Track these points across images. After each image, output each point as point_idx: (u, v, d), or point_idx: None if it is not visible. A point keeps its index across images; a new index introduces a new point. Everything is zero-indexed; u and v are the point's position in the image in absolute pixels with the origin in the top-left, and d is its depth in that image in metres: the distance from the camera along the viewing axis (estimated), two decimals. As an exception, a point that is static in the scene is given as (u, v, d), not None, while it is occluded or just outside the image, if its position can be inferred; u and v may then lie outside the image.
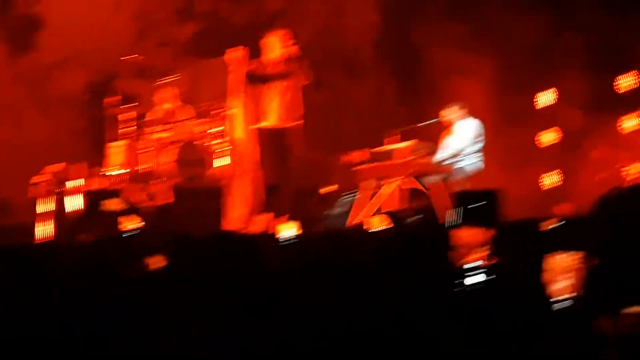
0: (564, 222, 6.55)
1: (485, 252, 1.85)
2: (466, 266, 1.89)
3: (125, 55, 12.11)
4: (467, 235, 1.85)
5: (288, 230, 6.82)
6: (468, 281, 1.89)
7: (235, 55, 9.45)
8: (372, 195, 11.17)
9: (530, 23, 11.86)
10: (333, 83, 15.15)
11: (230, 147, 10.19)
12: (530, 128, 12.73)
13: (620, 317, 2.27)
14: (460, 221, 1.84)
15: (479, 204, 1.82)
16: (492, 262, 1.89)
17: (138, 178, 11.28)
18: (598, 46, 12.36)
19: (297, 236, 7.15)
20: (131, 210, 9.91)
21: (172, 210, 10.66)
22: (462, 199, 1.83)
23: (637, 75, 11.68)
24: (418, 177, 10.87)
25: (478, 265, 1.88)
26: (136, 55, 12.21)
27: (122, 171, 11.31)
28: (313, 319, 3.04)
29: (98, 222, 8.60)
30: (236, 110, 9.44)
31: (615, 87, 11.88)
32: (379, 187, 11.08)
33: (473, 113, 11.41)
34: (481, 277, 1.88)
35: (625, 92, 11.82)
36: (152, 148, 11.44)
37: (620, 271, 2.35)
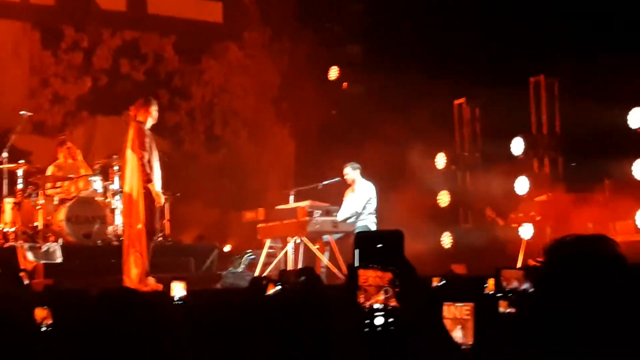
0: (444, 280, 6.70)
1: (387, 294, 1.88)
2: (373, 306, 1.91)
3: (20, 111, 11.85)
4: (370, 275, 1.87)
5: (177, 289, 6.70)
6: (377, 321, 1.91)
7: (127, 113, 9.35)
8: (274, 253, 11.22)
9: (429, 91, 12.22)
10: (233, 141, 15.19)
11: (122, 205, 9.97)
12: (431, 188, 13.01)
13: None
14: (364, 262, 1.86)
15: (382, 244, 1.86)
16: (394, 304, 1.92)
17: (32, 235, 10.98)
18: (488, 113, 12.81)
19: (195, 293, 7.05)
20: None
21: (68, 267, 10.39)
22: (364, 239, 1.86)
23: (525, 139, 12.10)
24: (317, 235, 10.95)
25: (380, 307, 1.90)
26: (30, 112, 11.97)
27: (13, 228, 10.99)
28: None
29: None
30: (127, 167, 9.26)
31: (507, 151, 12.28)
32: (282, 245, 11.15)
33: (373, 172, 11.62)
34: (381, 320, 1.90)
35: (516, 156, 12.23)
36: (46, 204, 11.17)
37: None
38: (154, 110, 9.34)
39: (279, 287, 5.81)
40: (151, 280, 9.18)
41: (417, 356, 1.96)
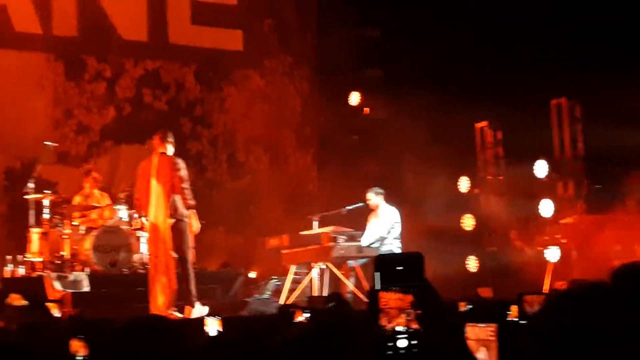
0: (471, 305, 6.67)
1: (409, 317, 1.89)
2: (395, 329, 1.92)
3: (44, 141, 12.00)
4: (391, 298, 1.89)
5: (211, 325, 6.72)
6: (400, 344, 1.92)
7: (150, 142, 9.61)
8: (299, 279, 11.22)
9: (451, 115, 12.23)
10: (255, 168, 15.24)
11: (148, 233, 10.05)
12: (455, 212, 12.97)
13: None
14: (384, 285, 1.88)
15: (402, 266, 1.87)
16: (416, 326, 1.93)
17: (59, 264, 11.05)
18: (511, 136, 12.79)
19: (224, 320, 7.06)
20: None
21: (94, 296, 10.46)
22: (385, 262, 1.88)
23: (548, 162, 12.08)
24: (342, 261, 10.94)
25: (403, 330, 1.91)
26: (55, 143, 12.12)
27: (40, 258, 11.07)
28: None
29: (18, 310, 8.35)
30: (152, 196, 9.37)
31: (530, 174, 12.26)
32: (307, 271, 11.15)
33: (396, 197, 11.61)
34: (404, 342, 1.91)
35: (539, 179, 12.20)
36: (72, 234, 11.26)
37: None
38: (170, 141, 9.54)
39: (306, 315, 5.81)
40: (199, 305, 9.28)
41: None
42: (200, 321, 8.51)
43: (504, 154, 13.23)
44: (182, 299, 9.41)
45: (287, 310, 6.01)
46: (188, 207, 9.41)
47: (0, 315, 8.51)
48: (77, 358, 4.53)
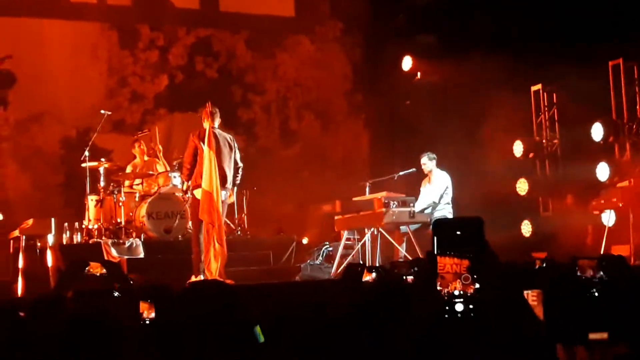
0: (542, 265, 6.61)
1: (466, 281, 1.87)
2: (452, 293, 1.91)
3: (99, 110, 12.15)
4: (448, 263, 1.88)
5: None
6: (457, 307, 1.91)
7: (203, 110, 9.71)
8: (351, 245, 11.23)
9: (505, 78, 12.05)
10: (307, 135, 15.24)
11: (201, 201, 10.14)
12: (509, 176, 12.83)
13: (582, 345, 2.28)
14: (444, 249, 1.87)
15: (462, 231, 1.85)
16: (473, 291, 1.91)
17: (115, 231, 11.22)
18: (566, 99, 12.58)
19: (278, 285, 7.13)
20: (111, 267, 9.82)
21: (149, 262, 10.59)
22: (443, 226, 1.86)
23: (605, 125, 11.85)
24: (394, 226, 10.91)
25: (460, 294, 1.90)
26: (110, 111, 12.26)
27: (96, 225, 11.25)
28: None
29: (79, 278, 8.47)
30: (204, 164, 9.45)
31: (586, 137, 12.06)
32: (359, 236, 11.14)
33: (448, 162, 11.53)
34: (461, 307, 1.90)
35: (596, 142, 12.00)
36: (127, 201, 11.40)
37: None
38: (217, 117, 9.70)
39: (374, 274, 5.76)
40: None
41: (501, 339, 1.96)
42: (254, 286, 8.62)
43: (559, 117, 13.02)
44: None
45: (355, 270, 5.96)
46: (235, 185, 9.81)
47: (78, 284, 8.65)
48: (145, 321, 4.62)
